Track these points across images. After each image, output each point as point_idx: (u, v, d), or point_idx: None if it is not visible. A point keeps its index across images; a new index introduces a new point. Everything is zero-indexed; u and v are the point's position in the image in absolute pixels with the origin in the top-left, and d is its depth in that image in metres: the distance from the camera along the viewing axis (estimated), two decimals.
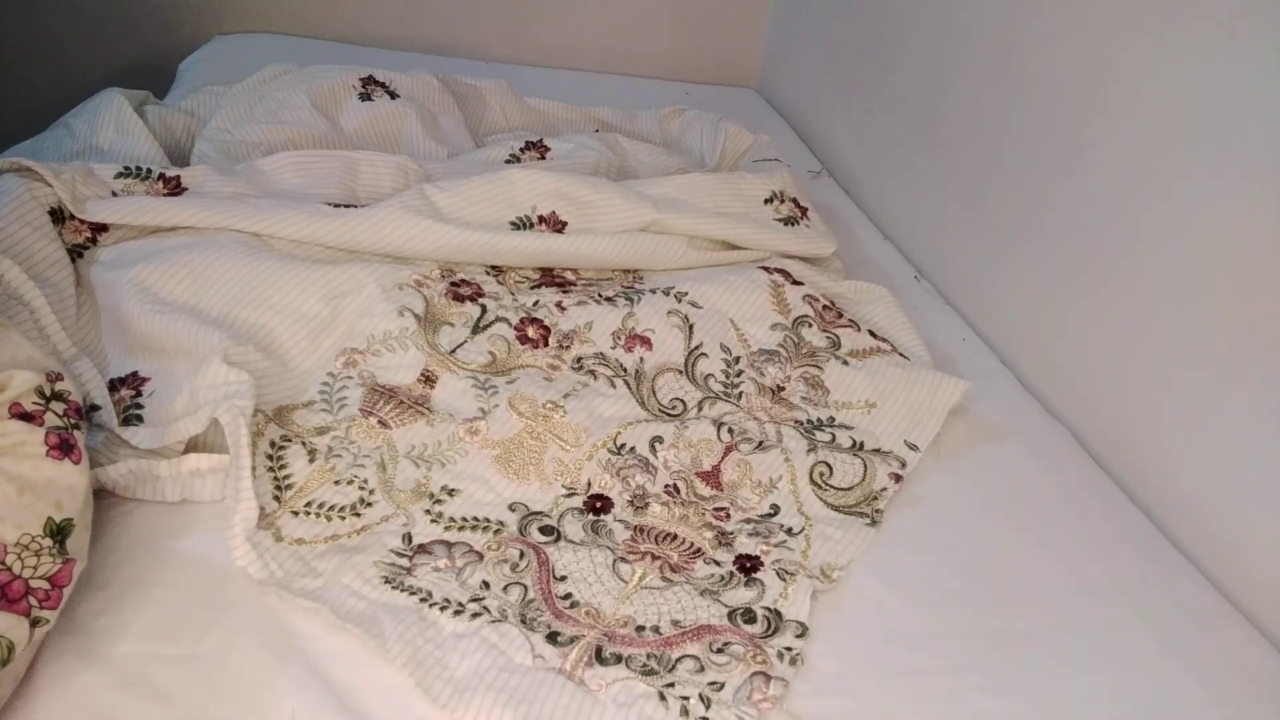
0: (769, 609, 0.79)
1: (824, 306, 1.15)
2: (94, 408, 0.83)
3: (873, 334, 1.14)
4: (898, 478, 0.96)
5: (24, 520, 0.64)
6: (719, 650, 0.75)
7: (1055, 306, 1.15)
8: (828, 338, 1.11)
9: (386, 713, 0.66)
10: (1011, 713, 0.74)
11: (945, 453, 1.02)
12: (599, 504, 0.87)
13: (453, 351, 0.97)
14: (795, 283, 1.17)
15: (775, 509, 0.91)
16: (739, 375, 1.05)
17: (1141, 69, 1.03)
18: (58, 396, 0.70)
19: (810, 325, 1.12)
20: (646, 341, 1.04)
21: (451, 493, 0.85)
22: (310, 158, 1.18)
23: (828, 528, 0.89)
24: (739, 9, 2.09)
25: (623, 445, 0.93)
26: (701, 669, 0.73)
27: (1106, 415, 1.07)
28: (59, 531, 0.65)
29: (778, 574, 0.82)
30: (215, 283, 0.95)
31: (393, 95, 1.42)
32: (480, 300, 1.04)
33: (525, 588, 0.77)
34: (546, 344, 1.02)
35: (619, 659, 0.72)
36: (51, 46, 1.82)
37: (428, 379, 0.94)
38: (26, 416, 0.67)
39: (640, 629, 0.76)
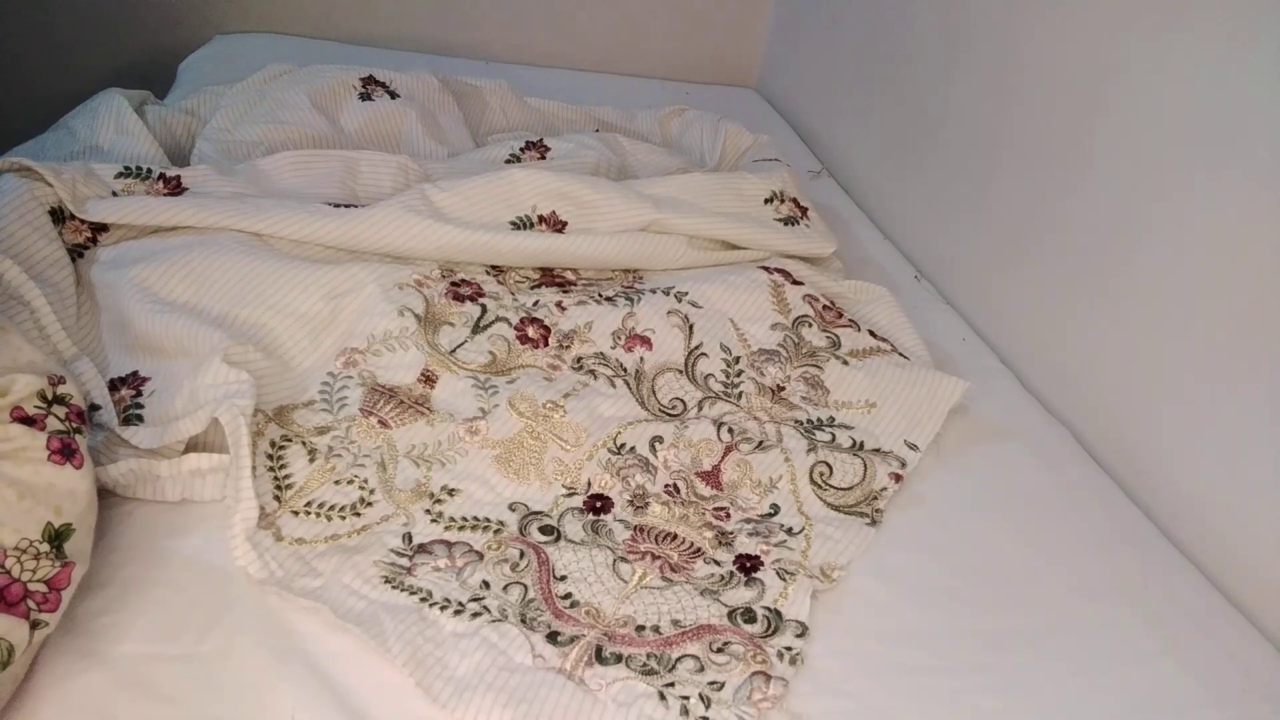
0: (769, 609, 0.79)
1: (824, 306, 1.15)
2: (94, 407, 0.83)
3: (873, 334, 1.14)
4: (898, 477, 0.96)
5: (23, 525, 0.63)
6: (719, 650, 0.75)
7: (1055, 307, 1.15)
8: (828, 337, 1.11)
9: (386, 713, 0.66)
10: (1011, 712, 0.74)
11: (945, 453, 1.02)
12: (599, 504, 0.87)
13: (453, 351, 0.97)
14: (795, 282, 1.17)
15: (775, 509, 0.91)
16: (739, 375, 1.05)
17: (1141, 69, 1.03)
18: (59, 400, 0.70)
19: (810, 325, 1.12)
20: (646, 341, 1.04)
21: (451, 492, 0.85)
22: (310, 157, 1.18)
23: (828, 527, 0.89)
24: (739, 9, 2.09)
25: (623, 445, 0.93)
26: (701, 669, 0.73)
27: (1106, 415, 1.07)
28: (57, 536, 0.65)
29: (778, 574, 0.82)
30: (215, 282, 0.96)
31: (393, 95, 1.42)
32: (480, 300, 1.04)
33: (525, 587, 0.77)
34: (546, 344, 1.02)
35: (619, 659, 0.72)
36: (52, 47, 1.82)
37: (428, 379, 0.94)
38: (28, 421, 0.67)
39: (640, 629, 0.76)
